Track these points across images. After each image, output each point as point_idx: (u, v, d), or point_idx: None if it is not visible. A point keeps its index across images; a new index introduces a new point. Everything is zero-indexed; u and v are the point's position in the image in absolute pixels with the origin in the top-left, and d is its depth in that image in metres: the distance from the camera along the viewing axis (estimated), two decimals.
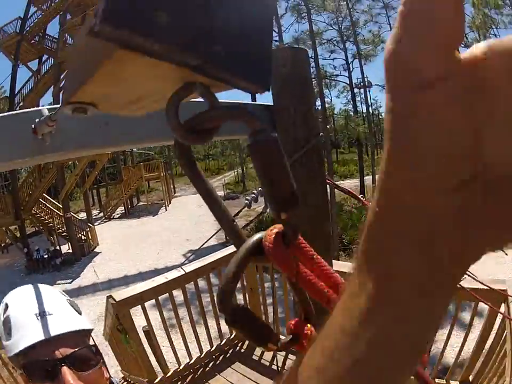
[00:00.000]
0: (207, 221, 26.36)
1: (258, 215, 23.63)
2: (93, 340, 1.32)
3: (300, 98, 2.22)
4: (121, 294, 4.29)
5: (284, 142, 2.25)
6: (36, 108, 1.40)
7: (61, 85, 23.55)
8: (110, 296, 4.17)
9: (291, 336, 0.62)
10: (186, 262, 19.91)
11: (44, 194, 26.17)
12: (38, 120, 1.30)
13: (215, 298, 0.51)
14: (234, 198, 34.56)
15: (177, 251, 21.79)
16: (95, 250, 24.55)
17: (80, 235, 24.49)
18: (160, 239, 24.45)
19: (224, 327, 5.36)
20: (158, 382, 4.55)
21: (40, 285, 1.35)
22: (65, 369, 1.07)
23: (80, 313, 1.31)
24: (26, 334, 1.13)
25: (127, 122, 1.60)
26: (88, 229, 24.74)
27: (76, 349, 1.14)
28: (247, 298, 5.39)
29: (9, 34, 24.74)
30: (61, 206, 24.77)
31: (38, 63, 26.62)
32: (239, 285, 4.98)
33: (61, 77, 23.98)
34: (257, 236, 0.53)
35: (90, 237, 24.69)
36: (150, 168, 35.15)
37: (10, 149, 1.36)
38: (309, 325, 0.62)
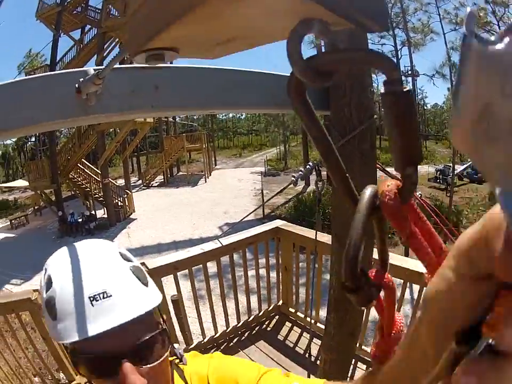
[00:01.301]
0: (246, 195, 26.78)
1: (297, 194, 23.57)
2: (160, 314, 1.05)
3: (356, 77, 2.14)
4: (155, 261, 4.25)
5: (337, 121, 2.22)
6: (80, 69, 1.35)
7: (104, 54, 23.74)
8: (143, 264, 3.98)
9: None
10: (222, 234, 19.78)
11: (83, 159, 26.68)
12: (83, 79, 1.26)
13: (343, 264, 0.46)
14: (275, 175, 34.61)
15: (213, 223, 21.90)
16: (130, 216, 24.94)
17: (116, 201, 24.84)
18: (197, 210, 24.65)
19: (254, 304, 5.37)
20: None
21: (91, 244, 1.05)
22: (127, 366, 0.88)
23: (146, 284, 1.00)
24: (77, 325, 0.89)
25: (178, 88, 1.54)
26: (125, 195, 25.13)
27: (142, 340, 0.93)
28: (280, 277, 5.35)
29: (49, 5, 24.83)
30: (99, 172, 25.09)
31: (80, 33, 26.82)
32: (273, 261, 4.94)
33: (105, 46, 24.24)
34: (368, 190, 0.49)
35: (127, 204, 25.09)
36: (192, 139, 35.41)
37: (53, 109, 1.31)
38: (388, 274, 0.60)
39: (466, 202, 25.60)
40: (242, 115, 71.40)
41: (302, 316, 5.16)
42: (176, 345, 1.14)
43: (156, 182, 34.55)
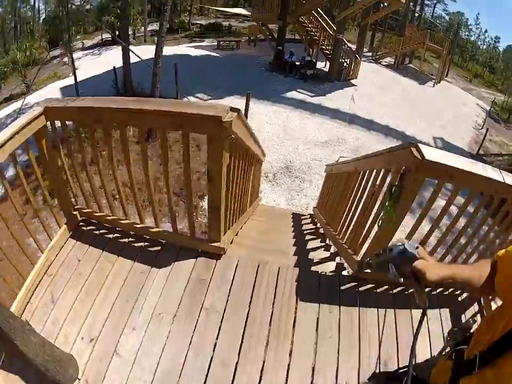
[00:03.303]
0: (466, 123, 25.28)
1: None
2: None
3: None
4: (431, 152, 3.04)
5: None
6: None
7: None
8: (415, 146, 3.04)
9: None
10: (433, 145, 19.22)
11: (319, 9, 26.04)
12: None
13: None
14: (497, 121, 31.87)
15: (429, 131, 21.05)
16: (351, 81, 24.49)
17: (343, 60, 24.34)
18: (418, 108, 23.72)
19: None
20: None
21: None
22: None
23: None
24: None
25: None
26: (354, 59, 24.55)
27: None
28: None
29: None
30: (334, 27, 24.47)
31: None
32: None
33: None
34: None
35: (352, 67, 24.60)
36: (435, 40, 34.04)
37: None
38: None
39: None
40: (483, 45, 68.11)
41: None
42: None
43: (385, 62, 33.92)
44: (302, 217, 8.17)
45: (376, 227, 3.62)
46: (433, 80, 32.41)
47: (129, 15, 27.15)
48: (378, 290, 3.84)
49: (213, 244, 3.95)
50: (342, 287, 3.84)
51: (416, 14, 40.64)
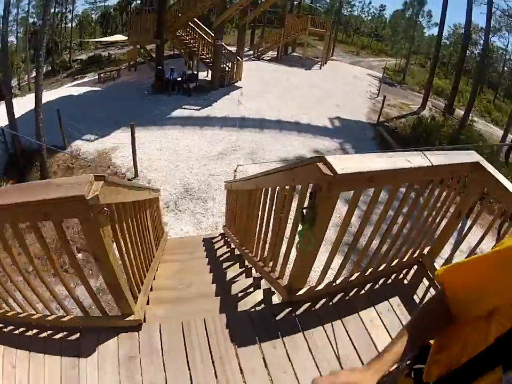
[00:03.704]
0: (361, 95, 25.98)
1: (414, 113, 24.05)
2: None
3: None
4: (342, 162, 2.65)
5: None
6: None
7: None
8: (322, 160, 2.63)
9: None
10: (331, 127, 19.51)
11: (195, 19, 25.82)
12: None
13: None
14: (391, 85, 34.34)
15: (324, 113, 21.07)
16: (235, 84, 24.38)
17: (224, 65, 24.26)
18: (308, 94, 23.83)
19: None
20: None
21: None
22: None
23: None
24: None
25: None
26: (235, 61, 24.50)
27: None
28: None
29: None
30: (212, 34, 24.37)
31: None
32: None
33: None
34: None
35: (235, 70, 24.57)
36: (316, 24, 34.34)
37: None
38: None
39: None
40: (368, 16, 71.50)
41: None
42: None
43: (268, 56, 34.33)
44: (214, 240, 7.96)
45: (295, 248, 3.34)
46: (319, 63, 33.17)
47: (12, 64, 26.21)
48: (317, 306, 3.63)
49: (127, 319, 3.51)
50: (278, 317, 3.59)
51: (296, 2, 41.06)
